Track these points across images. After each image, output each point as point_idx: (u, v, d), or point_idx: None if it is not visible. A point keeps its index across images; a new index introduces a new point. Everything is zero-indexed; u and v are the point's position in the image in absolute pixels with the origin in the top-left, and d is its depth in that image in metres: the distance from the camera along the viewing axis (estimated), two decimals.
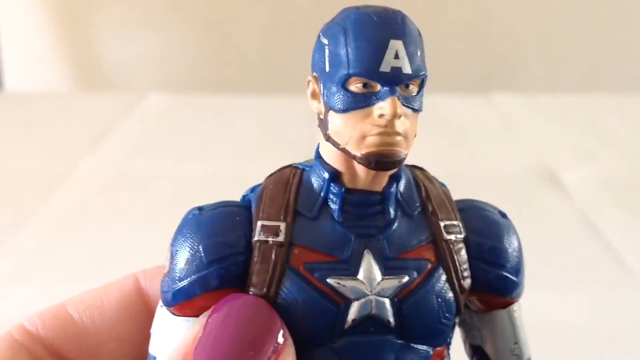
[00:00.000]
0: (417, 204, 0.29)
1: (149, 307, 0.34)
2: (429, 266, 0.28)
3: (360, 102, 0.27)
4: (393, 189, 0.29)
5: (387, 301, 0.27)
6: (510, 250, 0.31)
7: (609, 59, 1.63)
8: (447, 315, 0.28)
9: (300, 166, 0.30)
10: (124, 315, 0.34)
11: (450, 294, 0.29)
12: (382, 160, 0.27)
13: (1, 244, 0.80)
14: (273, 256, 0.27)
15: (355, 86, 0.27)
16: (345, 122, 0.27)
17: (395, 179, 0.29)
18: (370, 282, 0.27)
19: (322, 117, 0.28)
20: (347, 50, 0.27)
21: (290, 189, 0.29)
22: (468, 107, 1.33)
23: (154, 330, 0.30)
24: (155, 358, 0.30)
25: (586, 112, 1.32)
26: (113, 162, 1.06)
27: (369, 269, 0.27)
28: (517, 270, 0.31)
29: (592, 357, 0.61)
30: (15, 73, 1.64)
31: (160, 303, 0.29)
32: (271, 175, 0.30)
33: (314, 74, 0.28)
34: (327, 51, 0.27)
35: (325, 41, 0.28)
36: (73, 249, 0.79)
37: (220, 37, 1.63)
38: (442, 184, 0.31)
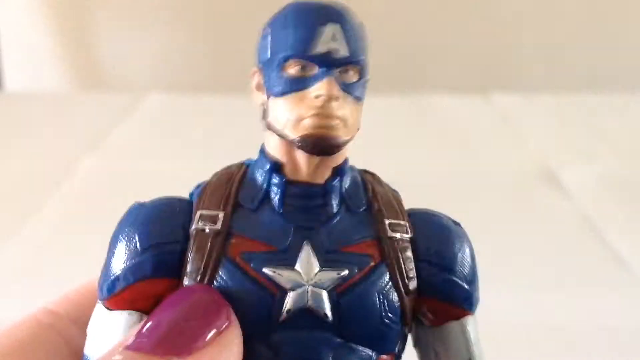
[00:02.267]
0: (363, 202, 0.29)
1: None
2: (372, 263, 0.28)
3: (297, 84, 0.27)
4: (336, 183, 0.28)
5: (324, 293, 0.27)
6: (459, 256, 0.29)
7: (609, 59, 1.63)
8: (389, 315, 0.28)
9: (247, 162, 0.30)
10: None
11: (394, 294, 0.28)
12: (319, 143, 0.27)
13: (1, 244, 0.80)
14: (209, 244, 0.27)
15: (293, 69, 0.27)
16: (282, 105, 0.27)
17: (338, 172, 0.28)
18: (307, 273, 0.27)
19: (265, 106, 0.28)
20: (285, 34, 0.27)
21: (232, 181, 0.29)
22: (468, 107, 1.33)
23: (90, 330, 0.29)
24: (88, 358, 0.29)
25: (586, 112, 1.32)
26: (113, 162, 1.06)
27: (307, 260, 0.27)
28: (467, 278, 0.29)
29: (592, 357, 0.61)
30: (15, 73, 1.64)
31: (98, 301, 0.29)
32: (217, 172, 0.30)
33: (259, 65, 0.29)
34: (269, 38, 0.28)
35: (269, 29, 0.28)
36: (73, 248, 0.79)
37: (220, 37, 1.63)
38: (394, 190, 0.31)
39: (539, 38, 1.63)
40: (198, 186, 0.30)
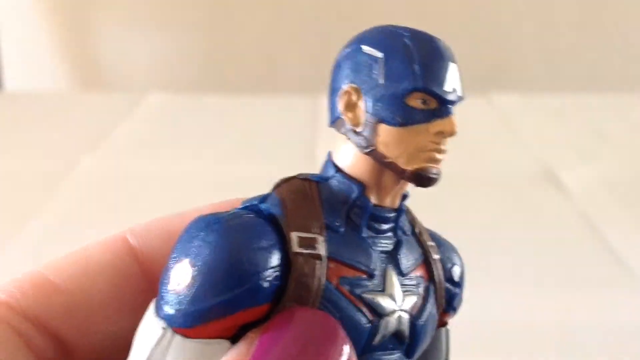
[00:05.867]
0: (407, 223, 0.30)
1: (145, 269, 0.31)
2: (426, 284, 0.29)
3: (420, 117, 0.27)
4: (404, 207, 0.29)
5: (407, 317, 0.28)
6: (463, 271, 0.31)
7: (609, 59, 1.63)
8: (432, 333, 0.29)
9: (314, 178, 0.29)
10: (116, 280, 0.30)
11: (437, 313, 0.29)
12: (431, 177, 0.27)
13: (1, 244, 0.80)
14: (314, 270, 0.26)
15: (415, 101, 0.27)
16: (400, 136, 0.27)
17: (404, 197, 0.29)
18: (397, 298, 0.27)
19: (359, 129, 0.28)
20: (414, 66, 0.27)
21: (313, 201, 0.28)
22: (468, 107, 1.33)
23: (139, 357, 0.26)
24: None
25: (586, 112, 1.32)
26: (113, 162, 1.06)
27: (394, 285, 0.28)
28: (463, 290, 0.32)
29: (592, 357, 0.61)
30: (15, 73, 1.64)
31: (152, 324, 0.26)
32: (279, 185, 0.28)
33: (353, 85, 0.28)
34: (381, 64, 0.27)
35: (379, 54, 0.27)
36: (73, 249, 0.79)
37: (220, 37, 1.63)
38: None
39: (539, 38, 1.63)
40: (262, 200, 0.28)
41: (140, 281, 0.31)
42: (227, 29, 1.62)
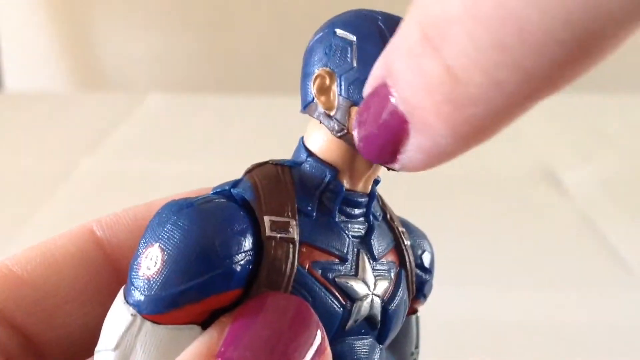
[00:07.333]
0: (379, 209, 0.30)
1: (112, 260, 0.31)
2: (397, 269, 0.29)
3: None
4: (375, 192, 0.29)
5: (379, 301, 0.28)
6: (433, 258, 0.32)
7: (609, 58, 1.62)
8: (404, 318, 0.30)
9: (286, 163, 0.29)
10: (82, 272, 0.30)
11: (408, 299, 0.30)
12: None
13: (1, 244, 0.80)
14: (286, 254, 0.26)
15: None
16: None
17: (376, 183, 0.29)
18: (370, 283, 0.28)
19: (332, 113, 0.27)
20: (381, 50, 0.27)
21: (285, 185, 0.28)
22: None
23: (108, 344, 0.25)
24: None
25: (586, 112, 1.32)
26: (113, 162, 1.06)
27: (366, 269, 0.28)
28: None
29: (592, 357, 0.61)
30: (15, 73, 1.64)
31: (121, 310, 0.25)
32: (251, 170, 0.28)
33: (326, 69, 0.28)
34: (354, 47, 0.27)
35: (352, 38, 0.27)
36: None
37: (220, 37, 1.63)
38: None
39: None
40: (234, 184, 0.28)
41: (108, 273, 0.31)
42: (227, 29, 1.62)
